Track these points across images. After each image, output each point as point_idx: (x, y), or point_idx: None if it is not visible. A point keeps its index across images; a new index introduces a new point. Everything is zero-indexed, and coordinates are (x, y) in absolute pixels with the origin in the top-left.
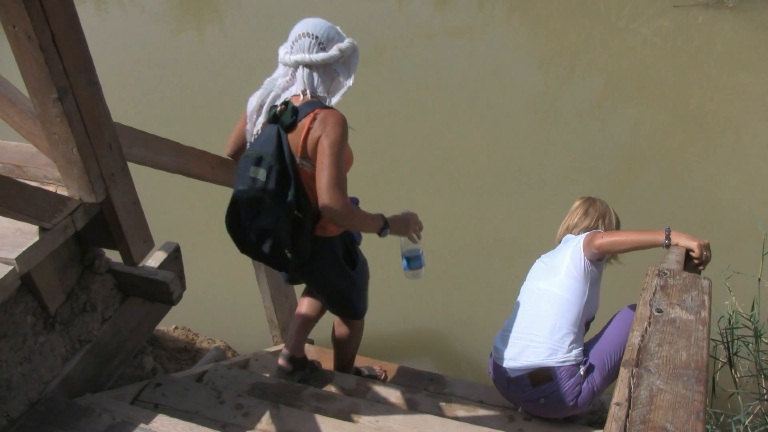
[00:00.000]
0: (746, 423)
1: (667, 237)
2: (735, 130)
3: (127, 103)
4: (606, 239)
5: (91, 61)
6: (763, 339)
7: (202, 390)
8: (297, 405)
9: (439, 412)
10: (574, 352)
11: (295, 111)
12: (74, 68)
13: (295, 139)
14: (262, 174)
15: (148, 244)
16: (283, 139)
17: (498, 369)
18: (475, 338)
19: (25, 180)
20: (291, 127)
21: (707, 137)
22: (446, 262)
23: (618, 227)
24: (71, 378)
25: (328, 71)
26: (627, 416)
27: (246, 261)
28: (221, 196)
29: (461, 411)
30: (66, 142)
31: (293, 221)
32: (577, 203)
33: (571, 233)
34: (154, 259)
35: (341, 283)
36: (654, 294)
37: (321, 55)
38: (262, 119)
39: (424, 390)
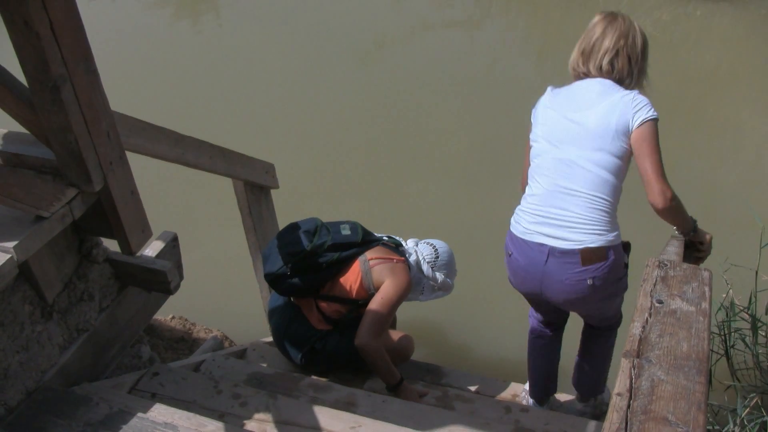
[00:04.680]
0: (743, 415)
1: (695, 226)
2: (733, 123)
3: (124, 92)
4: (673, 202)
5: (89, 49)
6: (760, 332)
7: (199, 379)
8: (294, 395)
9: (436, 403)
10: (615, 233)
11: (398, 244)
12: (72, 56)
13: (375, 253)
14: (346, 230)
15: (146, 234)
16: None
17: (530, 248)
18: (472, 328)
19: (23, 168)
20: (387, 246)
21: (705, 130)
22: None
23: (645, 50)
24: (68, 367)
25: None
26: (628, 406)
27: (243, 251)
28: (219, 186)
29: (458, 402)
30: (64, 130)
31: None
32: (595, 19)
33: (590, 65)
34: (152, 249)
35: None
36: (654, 285)
37: (425, 267)
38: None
39: (421, 381)
